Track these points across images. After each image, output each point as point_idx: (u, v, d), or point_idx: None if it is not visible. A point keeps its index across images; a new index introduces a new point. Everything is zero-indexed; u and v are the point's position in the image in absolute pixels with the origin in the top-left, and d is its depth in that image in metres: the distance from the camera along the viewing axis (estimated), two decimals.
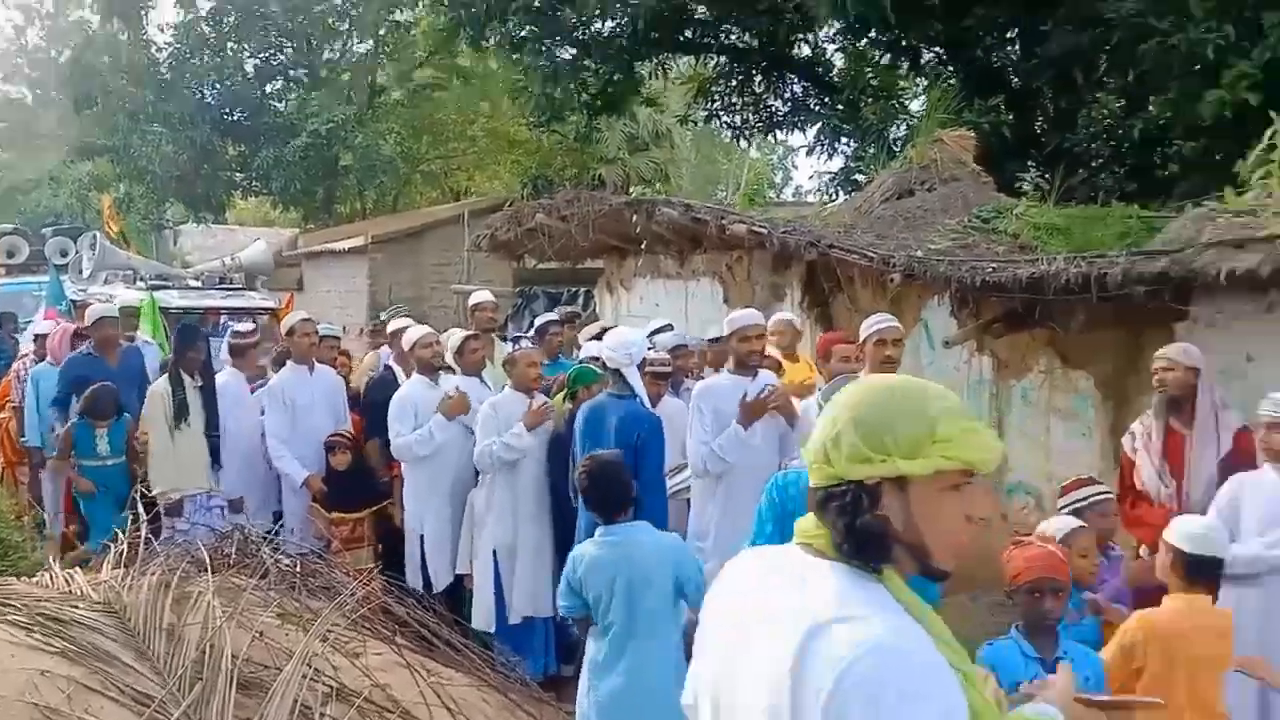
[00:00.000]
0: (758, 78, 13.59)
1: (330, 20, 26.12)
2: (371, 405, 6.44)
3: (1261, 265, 4.79)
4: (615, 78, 13.30)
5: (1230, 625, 3.44)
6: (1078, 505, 4.10)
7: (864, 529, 1.53)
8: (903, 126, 11.93)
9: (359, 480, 6.24)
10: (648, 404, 5.05)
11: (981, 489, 1.59)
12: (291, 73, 26.66)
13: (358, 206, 26.83)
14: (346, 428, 6.46)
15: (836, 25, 11.81)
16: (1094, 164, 10.48)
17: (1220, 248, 5.00)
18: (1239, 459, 4.41)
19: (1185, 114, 8.71)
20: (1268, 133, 5.66)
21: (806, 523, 1.62)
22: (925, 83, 13.20)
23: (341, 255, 18.44)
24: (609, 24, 13.40)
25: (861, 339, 4.98)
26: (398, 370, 6.57)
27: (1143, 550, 4.63)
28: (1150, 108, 9.51)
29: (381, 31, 25.76)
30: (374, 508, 6.23)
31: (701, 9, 12.79)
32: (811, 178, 26.77)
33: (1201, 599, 3.41)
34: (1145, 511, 4.70)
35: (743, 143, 16.48)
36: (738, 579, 1.71)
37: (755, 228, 7.51)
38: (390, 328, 6.99)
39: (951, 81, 11.80)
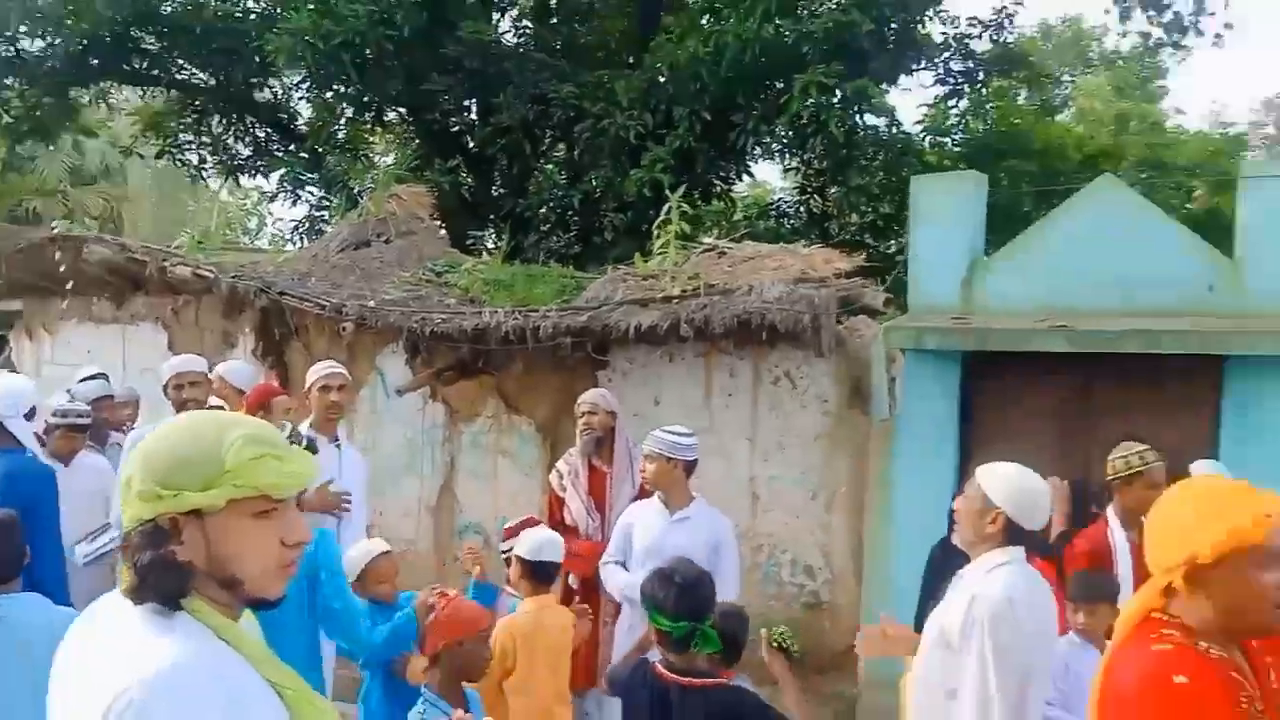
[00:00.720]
0: (216, 117, 12.90)
1: None
2: None
3: (660, 322, 5.59)
4: (45, 101, 11.85)
5: (570, 621, 4.04)
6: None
7: (146, 567, 1.49)
8: (369, 179, 12.02)
9: None
10: (40, 457, 4.50)
11: (293, 513, 1.61)
12: None
13: None
14: None
15: (299, 74, 11.64)
16: (544, 227, 11.42)
17: (629, 306, 5.74)
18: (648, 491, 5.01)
19: (615, 188, 9.88)
20: (664, 209, 6.62)
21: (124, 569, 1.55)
22: (392, 138, 13.50)
23: None
24: (38, 43, 11.90)
25: (306, 386, 4.92)
26: None
27: (570, 579, 5.08)
28: (591, 180, 10.59)
29: None
30: None
31: (150, 39, 11.85)
32: (276, 224, 25.82)
33: (549, 598, 3.97)
34: (575, 544, 5.13)
35: (206, 184, 15.46)
36: (67, 640, 1.61)
37: (200, 271, 7.10)
38: None
39: (415, 140, 12.22)
